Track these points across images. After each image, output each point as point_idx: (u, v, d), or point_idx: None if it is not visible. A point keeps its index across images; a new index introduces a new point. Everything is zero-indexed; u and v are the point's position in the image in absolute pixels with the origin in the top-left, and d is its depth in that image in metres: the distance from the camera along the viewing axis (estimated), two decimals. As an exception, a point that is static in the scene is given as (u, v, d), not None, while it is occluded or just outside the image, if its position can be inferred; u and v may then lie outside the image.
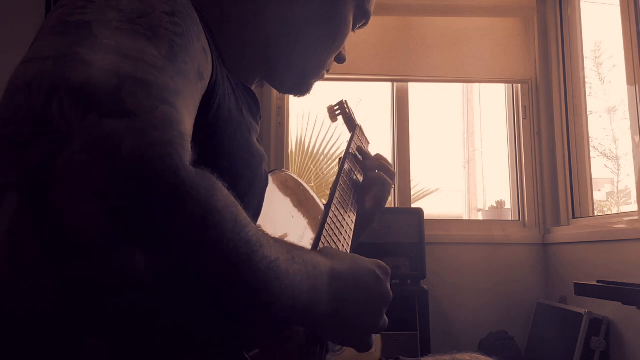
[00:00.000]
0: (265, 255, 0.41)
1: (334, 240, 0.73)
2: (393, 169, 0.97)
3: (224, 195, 0.40)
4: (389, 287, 0.61)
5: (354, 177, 0.93)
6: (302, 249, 0.51)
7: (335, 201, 0.81)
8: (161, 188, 0.35)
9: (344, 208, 0.83)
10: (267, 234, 0.45)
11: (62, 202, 0.34)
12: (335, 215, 0.79)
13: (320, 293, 0.50)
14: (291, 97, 2.53)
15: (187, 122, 0.43)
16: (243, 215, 0.41)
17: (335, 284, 0.53)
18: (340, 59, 0.80)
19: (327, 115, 1.07)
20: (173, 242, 0.36)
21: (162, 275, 0.37)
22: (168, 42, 0.45)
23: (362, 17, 0.78)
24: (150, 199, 0.35)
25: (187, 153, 0.38)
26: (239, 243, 0.39)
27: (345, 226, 0.81)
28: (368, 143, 1.07)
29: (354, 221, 0.85)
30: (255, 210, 0.62)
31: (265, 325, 0.45)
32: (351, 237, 0.81)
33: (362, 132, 1.05)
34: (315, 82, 0.80)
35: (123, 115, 0.37)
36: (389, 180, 0.95)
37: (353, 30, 0.79)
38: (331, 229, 0.75)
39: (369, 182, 0.94)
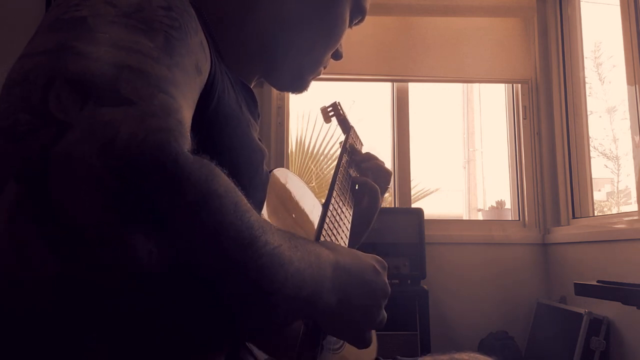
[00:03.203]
0: (269, 241, 0.41)
1: (334, 234, 0.73)
2: (387, 168, 0.97)
3: (224, 180, 0.39)
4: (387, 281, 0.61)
5: (352, 173, 0.94)
6: (304, 238, 0.50)
7: (334, 194, 0.81)
8: (159, 174, 0.35)
9: (342, 201, 0.84)
10: (269, 221, 0.44)
11: (62, 191, 0.34)
12: (335, 209, 0.79)
13: (323, 283, 0.50)
14: (291, 97, 2.54)
15: (186, 112, 0.42)
16: (244, 201, 0.41)
17: (339, 276, 0.53)
18: (337, 56, 0.80)
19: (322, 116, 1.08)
20: (174, 228, 0.36)
21: (165, 263, 0.36)
22: (164, 36, 0.45)
23: (358, 13, 0.78)
24: (149, 186, 0.35)
25: (186, 140, 0.38)
26: (242, 227, 0.38)
27: (343, 219, 0.81)
28: (361, 144, 1.07)
29: (351, 216, 0.86)
30: (257, 206, 0.62)
31: (270, 314, 0.44)
32: (349, 233, 0.81)
33: (356, 134, 1.06)
34: (312, 78, 0.80)
35: (121, 103, 0.37)
36: (384, 178, 0.95)
37: (350, 26, 0.79)
38: (331, 222, 0.76)
39: (363, 182, 0.94)
